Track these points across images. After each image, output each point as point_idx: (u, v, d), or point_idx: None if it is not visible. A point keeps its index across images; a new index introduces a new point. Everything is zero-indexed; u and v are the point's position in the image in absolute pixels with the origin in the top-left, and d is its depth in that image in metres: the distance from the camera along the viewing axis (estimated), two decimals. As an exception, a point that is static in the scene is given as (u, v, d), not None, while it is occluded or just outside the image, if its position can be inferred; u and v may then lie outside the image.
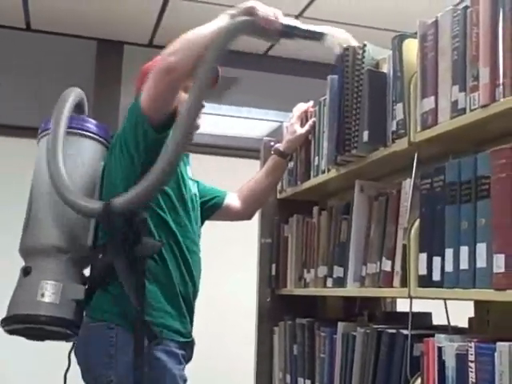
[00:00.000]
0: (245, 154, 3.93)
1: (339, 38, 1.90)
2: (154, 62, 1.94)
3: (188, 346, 1.87)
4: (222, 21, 1.75)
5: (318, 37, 1.87)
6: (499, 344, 1.30)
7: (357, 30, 3.83)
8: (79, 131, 1.95)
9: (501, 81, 1.37)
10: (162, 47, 4.18)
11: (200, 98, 1.71)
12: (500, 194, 1.33)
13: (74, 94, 1.95)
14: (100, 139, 1.99)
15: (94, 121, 2.01)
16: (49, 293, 1.74)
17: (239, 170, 3.87)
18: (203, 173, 3.85)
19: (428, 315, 2.18)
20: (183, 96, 1.86)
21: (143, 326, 1.71)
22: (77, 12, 3.74)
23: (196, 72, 1.69)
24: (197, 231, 1.95)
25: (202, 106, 1.81)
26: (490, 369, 1.32)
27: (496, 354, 1.30)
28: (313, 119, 2.25)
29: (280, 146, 2.28)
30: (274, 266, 2.56)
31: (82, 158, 1.93)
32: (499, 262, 1.31)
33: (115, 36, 4.07)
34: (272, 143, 2.68)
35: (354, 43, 1.94)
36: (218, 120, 4.83)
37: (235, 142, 4.60)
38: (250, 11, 1.76)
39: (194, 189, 2.02)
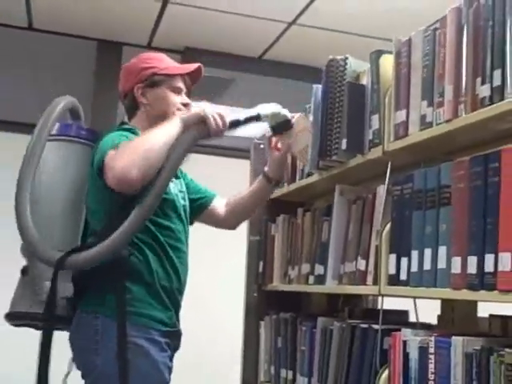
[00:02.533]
0: (238, 154, 4.04)
1: (273, 112, 2.05)
2: (132, 65, 2.08)
3: (173, 336, 1.97)
4: (174, 127, 1.85)
5: (256, 119, 2.03)
6: (454, 338, 1.44)
7: (349, 37, 3.98)
8: (69, 138, 2.02)
9: (463, 98, 1.50)
10: (160, 49, 4.32)
11: (162, 188, 1.81)
12: (458, 202, 1.46)
13: (63, 103, 2.00)
14: (86, 142, 2.04)
15: (83, 126, 2.09)
16: (41, 292, 1.87)
17: (231, 169, 4.02)
18: (196, 172, 3.98)
19: (405, 313, 2.31)
20: (167, 94, 2.02)
21: (124, 315, 1.83)
22: (78, 13, 3.87)
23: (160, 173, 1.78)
24: (182, 229, 2.03)
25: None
26: (446, 360, 1.45)
27: (452, 348, 1.44)
28: (289, 140, 2.17)
29: (266, 170, 2.26)
30: (261, 262, 2.69)
31: (70, 165, 2.01)
32: (456, 264, 1.44)
33: (115, 37, 4.19)
34: (262, 146, 2.82)
35: (286, 113, 2.08)
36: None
37: (228, 141, 4.71)
38: (202, 119, 1.87)
39: (178, 186, 2.08)
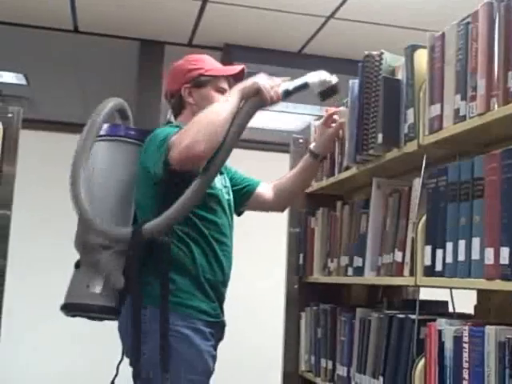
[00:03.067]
0: (277, 148, 4.09)
1: (320, 79, 2.12)
2: (179, 66, 2.17)
3: (217, 326, 2.06)
4: (234, 99, 1.95)
5: (305, 87, 2.11)
6: (487, 327, 1.47)
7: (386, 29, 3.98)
8: (116, 138, 2.11)
9: (495, 92, 1.52)
10: (201, 46, 4.40)
11: (224, 159, 1.92)
12: (491, 194, 1.49)
13: (112, 103, 2.09)
14: (135, 142, 2.12)
15: (131, 127, 2.18)
16: (93, 284, 1.97)
17: (271, 163, 4.06)
18: (236, 166, 4.05)
19: (444, 303, 2.33)
20: (212, 94, 2.11)
21: (167, 304, 1.90)
22: (121, 14, 3.97)
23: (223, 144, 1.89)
24: (227, 223, 2.11)
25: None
26: (480, 349, 1.49)
27: (485, 337, 1.47)
28: (342, 120, 2.35)
29: (312, 147, 2.38)
30: (301, 255, 2.75)
31: (119, 164, 2.11)
32: (489, 255, 1.47)
33: (157, 36, 4.28)
34: (301, 140, 2.87)
35: (332, 78, 2.15)
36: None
37: (271, 135, 4.77)
38: (257, 91, 1.96)
39: (222, 181, 2.16)
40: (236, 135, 1.92)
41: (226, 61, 4.33)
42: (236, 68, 2.21)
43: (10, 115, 2.69)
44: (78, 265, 2.03)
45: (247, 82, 2.00)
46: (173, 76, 2.20)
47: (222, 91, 2.15)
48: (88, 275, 1.99)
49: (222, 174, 2.16)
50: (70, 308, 2.01)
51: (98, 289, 1.97)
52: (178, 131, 1.90)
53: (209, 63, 2.19)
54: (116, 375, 2.01)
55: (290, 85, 2.08)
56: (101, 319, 2.08)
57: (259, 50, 4.39)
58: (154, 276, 1.96)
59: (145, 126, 3.81)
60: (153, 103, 4.35)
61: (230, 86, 2.16)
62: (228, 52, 4.34)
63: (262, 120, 5.15)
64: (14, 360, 3.89)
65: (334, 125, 2.34)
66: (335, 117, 2.33)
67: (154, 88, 4.35)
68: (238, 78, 2.18)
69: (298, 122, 5.15)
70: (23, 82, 4.78)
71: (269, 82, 2.00)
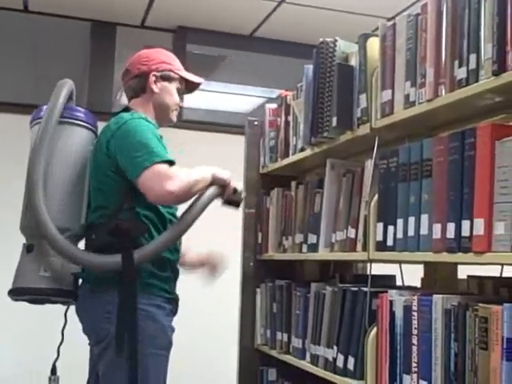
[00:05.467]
0: (230, 130, 4.16)
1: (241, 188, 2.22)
2: (153, 52, 2.26)
3: (173, 302, 2.16)
4: (208, 177, 2.09)
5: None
6: (435, 296, 1.60)
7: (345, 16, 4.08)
8: (71, 120, 2.15)
9: (443, 80, 1.64)
10: (153, 28, 4.41)
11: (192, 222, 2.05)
12: (439, 174, 1.61)
13: (67, 87, 2.15)
14: (89, 126, 2.19)
15: (81, 109, 2.21)
16: (50, 268, 2.01)
17: (225, 145, 4.14)
18: (192, 148, 4.10)
19: (392, 277, 2.47)
20: (173, 91, 2.25)
21: (133, 285, 1.98)
22: (72, -6, 3.95)
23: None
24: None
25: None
26: (428, 316, 1.62)
27: (433, 305, 1.60)
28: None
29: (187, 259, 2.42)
30: (259, 234, 2.84)
31: (74, 146, 2.14)
32: (437, 230, 1.59)
33: (108, 18, 4.27)
34: (255, 122, 2.96)
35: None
36: (206, 96, 5.07)
37: (222, 117, 4.84)
38: (224, 187, 2.13)
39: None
40: (197, 213, 2.06)
41: (178, 43, 4.36)
42: (199, 79, 2.35)
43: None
44: (30, 249, 2.06)
45: (222, 172, 2.13)
46: (144, 59, 2.25)
47: (180, 93, 2.30)
48: (41, 259, 2.01)
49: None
50: (21, 292, 2.04)
51: (54, 273, 2.01)
52: (158, 161, 1.97)
53: (179, 64, 2.31)
54: (57, 358, 2.14)
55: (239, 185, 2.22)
56: (52, 302, 2.13)
57: (211, 32, 4.44)
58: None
59: (97, 107, 3.83)
60: (105, 84, 4.35)
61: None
62: (181, 34, 4.38)
63: (214, 102, 5.22)
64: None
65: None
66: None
67: (105, 69, 4.36)
68: (192, 87, 2.36)
69: (249, 105, 5.22)
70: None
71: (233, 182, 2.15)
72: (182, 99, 2.33)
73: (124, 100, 4.93)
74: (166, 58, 2.28)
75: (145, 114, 2.15)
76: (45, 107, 2.12)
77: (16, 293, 2.05)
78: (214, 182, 2.10)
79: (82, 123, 2.17)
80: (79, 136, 2.16)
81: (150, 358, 2.00)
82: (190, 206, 2.05)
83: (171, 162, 2.00)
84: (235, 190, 2.16)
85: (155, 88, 2.22)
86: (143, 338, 1.98)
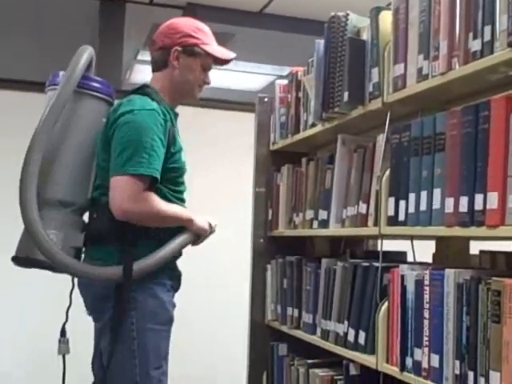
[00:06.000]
0: (241, 108, 4.15)
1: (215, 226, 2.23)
2: (179, 25, 2.17)
3: (175, 277, 2.14)
4: (185, 221, 2.08)
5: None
6: (447, 270, 1.60)
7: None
8: (87, 91, 2.08)
9: (456, 52, 1.63)
10: (162, 5, 4.38)
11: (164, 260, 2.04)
12: (452, 148, 1.60)
13: (87, 54, 2.06)
14: (105, 97, 2.13)
15: (99, 78, 2.14)
16: (52, 241, 1.96)
17: (235, 122, 4.13)
18: (202, 125, 4.09)
19: (403, 253, 2.46)
20: (197, 67, 2.15)
21: (131, 262, 1.97)
22: (81, -29, 3.93)
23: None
24: (185, 188, 2.18)
25: None
26: (440, 290, 1.62)
27: (445, 279, 1.60)
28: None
29: None
30: (270, 210, 2.84)
31: (88, 118, 2.10)
32: (449, 204, 1.59)
33: (117, -6, 4.26)
34: (266, 99, 2.94)
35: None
36: (215, 73, 5.05)
37: (232, 95, 4.82)
38: (199, 236, 2.14)
39: (182, 148, 2.17)
40: (171, 252, 2.05)
41: (187, 20, 4.33)
42: (230, 55, 2.24)
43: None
44: None
45: (202, 223, 2.13)
46: (169, 31, 2.15)
47: (207, 69, 2.18)
48: (46, 231, 1.97)
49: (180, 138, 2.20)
50: (24, 262, 2.03)
51: (56, 245, 1.96)
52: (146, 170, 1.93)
53: (208, 38, 2.19)
54: (66, 321, 2.14)
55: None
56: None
57: (221, 9, 4.40)
58: (117, 234, 2.01)
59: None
60: (114, 62, 4.34)
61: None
62: (190, 11, 4.34)
63: (224, 80, 5.20)
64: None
65: None
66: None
67: (114, 47, 4.34)
68: (223, 62, 2.23)
69: (260, 83, 5.20)
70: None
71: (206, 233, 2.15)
72: (206, 76, 2.20)
73: (133, 78, 4.91)
74: (193, 31, 2.15)
75: (161, 90, 2.11)
76: (61, 73, 2.07)
77: (17, 261, 2.04)
78: (192, 227, 2.10)
79: (98, 94, 2.11)
80: (94, 108, 2.12)
81: (150, 333, 2.00)
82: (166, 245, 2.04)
83: (153, 177, 1.96)
84: (210, 226, 2.19)
85: (176, 63, 2.13)
86: (143, 314, 1.99)
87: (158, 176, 1.97)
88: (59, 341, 2.13)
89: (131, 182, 1.93)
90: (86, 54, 2.06)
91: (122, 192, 1.93)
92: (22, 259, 2.03)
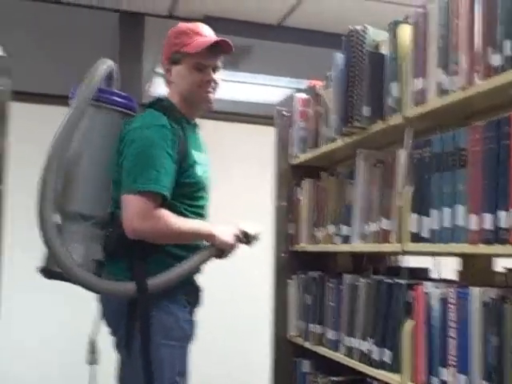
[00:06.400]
0: (259, 121, 4.14)
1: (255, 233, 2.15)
2: (167, 37, 2.10)
3: (192, 292, 2.11)
4: (204, 235, 2.05)
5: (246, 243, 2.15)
6: (472, 289, 1.57)
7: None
8: (105, 105, 2.06)
9: (476, 67, 1.60)
10: (181, 18, 4.39)
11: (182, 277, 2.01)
12: (474, 164, 1.58)
13: (103, 67, 2.05)
14: (125, 111, 2.09)
15: (119, 92, 2.12)
16: (73, 254, 1.96)
17: (253, 135, 4.13)
18: (222, 139, 4.09)
19: (426, 270, 2.43)
20: (186, 72, 2.06)
21: (144, 278, 1.95)
22: (100, -15, 3.95)
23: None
24: (207, 202, 2.14)
25: None
26: (465, 309, 1.59)
27: (470, 297, 1.57)
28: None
29: None
30: (292, 225, 2.82)
31: (105, 132, 2.07)
32: (473, 221, 1.56)
33: (136, 8, 4.27)
34: (284, 112, 2.93)
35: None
36: (233, 86, 5.04)
37: (250, 108, 4.81)
38: (223, 251, 2.08)
39: (204, 162, 2.14)
40: (191, 269, 2.03)
41: (206, 33, 4.34)
42: (210, 40, 2.05)
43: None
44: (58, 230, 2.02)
45: (226, 236, 2.06)
46: (163, 47, 2.13)
47: (201, 67, 2.06)
48: (67, 244, 1.98)
49: (204, 152, 2.17)
50: (49, 273, 2.02)
51: (77, 259, 1.98)
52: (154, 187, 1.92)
53: (190, 37, 2.06)
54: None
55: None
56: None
57: (239, 22, 4.40)
58: (133, 251, 1.99)
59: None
60: (134, 75, 4.36)
61: (214, 59, 2.07)
62: (208, 24, 4.33)
63: (242, 93, 5.20)
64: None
65: None
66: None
67: (134, 60, 4.35)
68: (224, 48, 2.08)
69: (277, 95, 5.18)
70: (1, 53, 4.74)
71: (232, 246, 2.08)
72: (206, 74, 2.06)
73: (153, 91, 4.93)
74: (174, 38, 2.07)
75: (176, 103, 2.08)
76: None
77: (42, 272, 2.04)
78: (214, 242, 2.05)
79: (117, 108, 2.09)
80: (112, 121, 2.09)
81: (164, 349, 1.98)
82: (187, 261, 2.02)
83: (163, 195, 1.94)
84: (247, 235, 2.12)
85: (169, 77, 2.09)
86: (157, 329, 1.97)
87: (167, 193, 1.95)
88: (88, 351, 2.13)
89: (140, 200, 1.92)
90: (103, 67, 2.05)
91: (131, 211, 1.92)
92: (47, 270, 2.03)
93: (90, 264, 2.02)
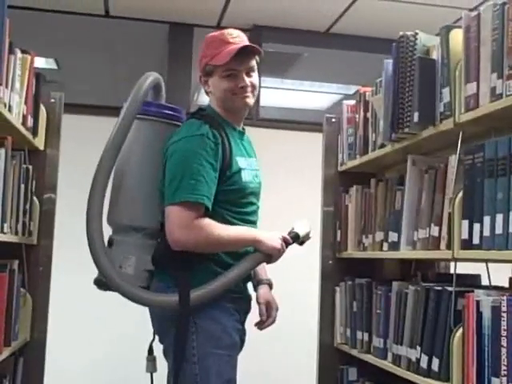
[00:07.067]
0: (307, 128, 4.14)
1: (305, 232, 2.13)
2: (200, 51, 2.12)
3: (240, 300, 2.10)
4: (249, 241, 2.04)
5: (295, 241, 2.12)
6: (525, 297, 1.54)
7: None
8: (151, 117, 2.09)
9: (532, 71, 1.58)
10: (228, 28, 4.42)
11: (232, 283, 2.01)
12: (528, 169, 1.55)
13: (150, 80, 2.07)
14: (171, 122, 2.12)
15: (165, 104, 2.15)
16: (125, 265, 2.03)
17: (302, 142, 4.13)
18: (270, 147, 4.10)
19: (477, 276, 2.40)
20: (218, 83, 2.06)
21: (187, 285, 1.96)
22: (150, -1, 4.03)
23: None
24: (256, 207, 2.14)
25: None
26: (518, 318, 1.56)
27: (523, 305, 1.54)
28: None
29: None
30: (338, 231, 2.81)
31: (153, 144, 2.08)
32: (527, 228, 1.53)
33: (185, 19, 4.34)
34: (333, 119, 2.93)
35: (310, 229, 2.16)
36: (282, 93, 5.07)
37: (298, 115, 4.82)
38: (270, 256, 2.05)
39: (251, 167, 2.13)
40: (240, 274, 2.02)
41: (254, 42, 4.37)
42: (235, 48, 2.02)
43: (52, 100, 2.79)
44: (110, 243, 2.08)
45: (272, 241, 2.03)
46: (197, 61, 2.16)
47: (232, 75, 2.05)
48: (120, 255, 2.04)
49: (251, 156, 2.17)
50: (103, 285, 2.05)
51: (130, 270, 2.03)
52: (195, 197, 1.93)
53: (216, 47, 2.06)
54: (153, 339, 2.11)
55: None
56: None
57: (287, 30, 4.43)
58: (179, 256, 2.00)
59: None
60: (182, 85, 4.42)
61: (247, 62, 2.06)
62: (256, 33, 4.39)
63: (290, 100, 5.22)
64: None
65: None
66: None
67: (183, 70, 4.41)
68: (252, 52, 2.07)
69: (325, 102, 5.19)
70: (54, 66, 4.87)
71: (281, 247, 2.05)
72: (240, 80, 2.04)
73: (200, 100, 5.00)
74: (204, 51, 2.10)
75: (222, 113, 2.10)
76: None
77: (96, 283, 2.08)
78: (261, 248, 2.03)
79: (163, 120, 2.12)
80: (158, 133, 2.10)
81: (211, 358, 1.98)
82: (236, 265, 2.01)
83: (204, 204, 1.94)
84: (297, 236, 2.10)
85: (207, 88, 2.12)
86: (204, 338, 1.98)
87: (207, 201, 1.95)
88: (147, 359, 2.15)
89: (179, 211, 1.93)
90: (149, 80, 2.07)
91: (172, 222, 1.94)
92: (101, 282, 2.06)
93: (143, 274, 2.05)
